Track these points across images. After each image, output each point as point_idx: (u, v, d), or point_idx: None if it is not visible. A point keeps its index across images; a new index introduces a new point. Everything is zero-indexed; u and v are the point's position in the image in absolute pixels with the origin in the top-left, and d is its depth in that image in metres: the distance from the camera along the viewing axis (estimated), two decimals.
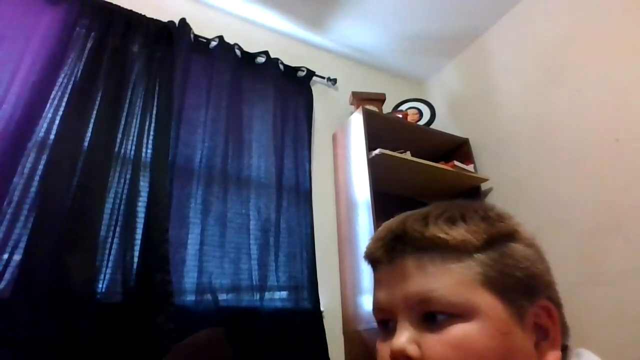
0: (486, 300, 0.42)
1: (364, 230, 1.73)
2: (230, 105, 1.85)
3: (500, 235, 0.45)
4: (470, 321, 0.41)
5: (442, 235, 0.44)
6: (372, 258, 0.50)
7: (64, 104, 1.47)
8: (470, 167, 2.10)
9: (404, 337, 0.42)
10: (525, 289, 0.43)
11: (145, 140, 1.58)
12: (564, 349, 0.45)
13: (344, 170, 2.00)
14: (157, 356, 1.22)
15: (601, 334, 1.45)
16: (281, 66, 2.14)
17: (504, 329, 0.41)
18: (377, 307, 0.48)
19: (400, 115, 2.21)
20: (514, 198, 1.95)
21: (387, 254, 0.48)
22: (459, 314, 0.41)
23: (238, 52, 2.02)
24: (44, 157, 1.38)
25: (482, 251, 0.44)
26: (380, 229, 0.51)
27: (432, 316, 0.42)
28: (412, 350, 0.41)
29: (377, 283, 0.49)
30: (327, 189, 2.04)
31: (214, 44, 1.97)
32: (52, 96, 1.46)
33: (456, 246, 0.44)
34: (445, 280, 0.43)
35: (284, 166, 1.88)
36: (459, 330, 0.40)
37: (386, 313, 0.47)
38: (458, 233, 0.44)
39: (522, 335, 0.41)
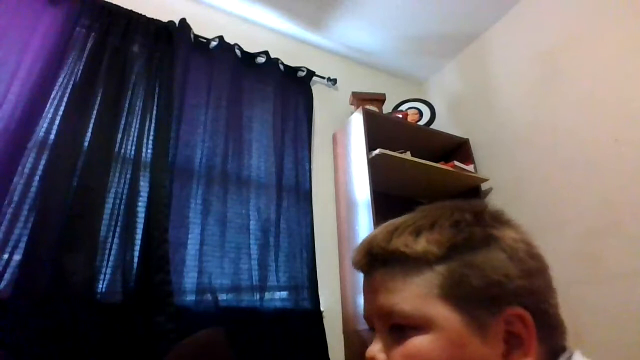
0: (441, 312, 0.42)
1: (364, 230, 1.73)
2: (230, 105, 1.86)
3: (465, 243, 0.44)
4: (427, 333, 0.42)
5: (403, 249, 0.45)
6: (356, 268, 0.52)
7: (64, 103, 1.47)
8: (470, 167, 2.10)
9: (376, 347, 0.46)
10: (487, 298, 0.42)
11: (145, 140, 1.58)
12: (562, 350, 0.45)
13: (344, 170, 2.00)
14: (157, 356, 1.22)
15: (600, 333, 1.45)
16: (281, 66, 2.14)
17: (459, 341, 0.41)
18: (363, 315, 0.52)
19: (400, 116, 2.21)
20: (513, 198, 1.95)
21: (364, 267, 0.50)
22: (417, 326, 0.42)
23: (238, 52, 2.03)
24: (44, 156, 1.38)
25: (443, 261, 0.44)
26: (363, 239, 0.53)
27: (400, 328, 0.44)
28: (381, 358, 0.44)
29: (363, 292, 0.52)
30: (327, 189, 2.04)
31: (214, 44, 1.97)
32: (52, 96, 1.46)
33: (416, 259, 0.45)
34: (405, 294, 0.44)
35: (284, 166, 1.88)
36: (415, 342, 0.42)
37: (368, 321, 0.50)
38: (419, 245, 0.45)
39: (481, 347, 0.41)
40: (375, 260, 0.48)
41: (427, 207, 0.50)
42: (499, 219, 0.48)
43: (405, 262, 0.45)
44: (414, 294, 0.44)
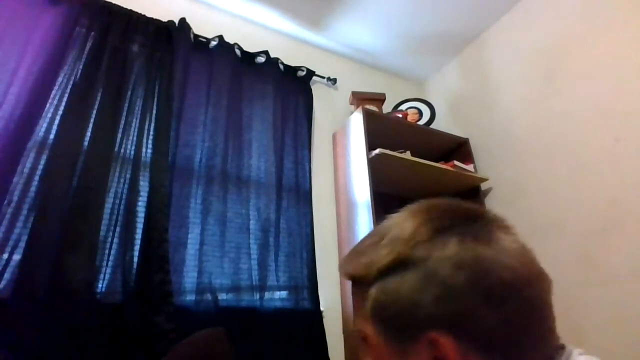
0: (371, 332, 0.45)
1: (364, 230, 1.73)
2: (230, 105, 1.85)
3: (388, 266, 0.44)
4: (367, 349, 0.46)
5: (351, 271, 0.49)
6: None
7: (63, 103, 1.47)
8: (470, 167, 2.10)
9: (362, 353, 0.49)
10: (403, 323, 0.42)
11: (145, 140, 1.58)
12: (561, 348, 0.44)
13: (344, 170, 2.00)
14: (156, 356, 1.22)
15: (601, 334, 1.45)
16: (281, 66, 2.14)
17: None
18: None
19: (400, 115, 2.21)
20: (513, 198, 1.95)
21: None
22: (365, 341, 0.46)
23: (238, 51, 2.02)
24: (44, 156, 1.37)
25: (373, 284, 0.45)
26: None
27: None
28: None
29: None
30: (327, 189, 2.04)
31: (213, 43, 1.97)
32: (52, 96, 1.46)
33: (360, 280, 0.47)
34: (360, 312, 0.47)
35: (283, 166, 1.88)
36: (362, 355, 0.47)
37: None
38: (360, 268, 0.47)
39: None
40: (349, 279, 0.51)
41: (390, 217, 0.50)
42: (442, 231, 0.43)
43: (359, 283, 0.48)
44: (362, 313, 0.47)
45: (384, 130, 2.05)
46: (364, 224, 1.74)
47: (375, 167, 1.83)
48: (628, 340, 1.37)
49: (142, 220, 1.44)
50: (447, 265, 0.41)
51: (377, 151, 1.83)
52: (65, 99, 1.48)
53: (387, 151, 1.84)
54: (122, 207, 1.44)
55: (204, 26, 2.00)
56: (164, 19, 1.87)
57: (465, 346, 0.39)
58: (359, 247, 0.49)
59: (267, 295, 1.59)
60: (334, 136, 2.19)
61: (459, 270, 0.40)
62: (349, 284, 1.79)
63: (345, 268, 0.50)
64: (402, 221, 0.47)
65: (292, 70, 2.18)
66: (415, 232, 0.44)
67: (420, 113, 2.36)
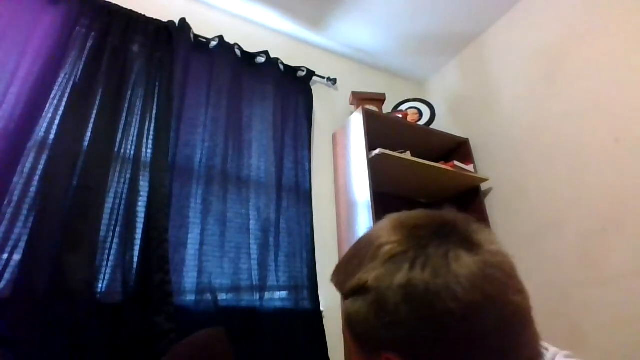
0: (349, 337, 0.48)
1: (364, 230, 1.72)
2: (230, 105, 1.86)
3: (352, 290, 0.47)
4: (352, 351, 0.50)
5: (334, 283, 0.52)
6: None
7: (64, 103, 1.47)
8: (470, 167, 2.10)
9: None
10: (363, 341, 0.46)
11: (145, 140, 1.58)
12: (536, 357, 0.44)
13: (344, 170, 2.00)
14: (156, 356, 1.22)
15: (600, 334, 1.45)
16: (281, 66, 2.14)
17: None
18: None
19: (400, 115, 2.21)
20: (513, 198, 1.95)
21: None
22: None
23: (238, 52, 2.03)
24: (44, 156, 1.38)
25: (346, 299, 0.48)
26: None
27: None
28: None
29: None
30: (327, 189, 2.04)
31: (214, 43, 1.97)
32: (52, 96, 1.46)
33: (340, 291, 0.50)
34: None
35: (283, 166, 1.88)
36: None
37: None
38: (339, 282, 0.51)
39: None
40: None
41: (368, 232, 0.52)
42: (398, 255, 0.44)
43: (341, 293, 0.51)
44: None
45: (384, 130, 2.05)
46: (364, 224, 1.74)
47: (375, 167, 1.83)
48: (628, 340, 1.37)
49: (142, 220, 1.44)
50: (394, 295, 0.42)
51: (377, 151, 1.83)
52: (65, 99, 1.48)
53: (387, 151, 1.84)
54: (122, 207, 1.44)
55: (204, 26, 2.00)
56: (164, 19, 1.87)
57: None
58: (343, 260, 0.52)
59: (267, 295, 1.59)
60: (334, 136, 2.19)
61: (405, 300, 0.41)
62: None
63: (331, 277, 0.53)
64: (371, 242, 0.48)
65: (292, 70, 2.18)
66: (375, 257, 0.46)
67: (420, 113, 2.36)
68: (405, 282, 0.41)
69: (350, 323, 0.47)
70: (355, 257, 0.48)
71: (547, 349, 0.47)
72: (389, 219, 0.49)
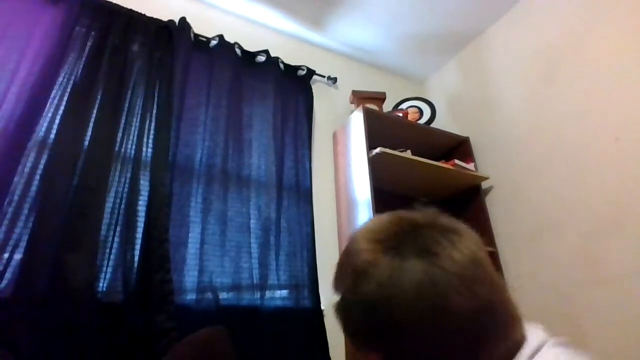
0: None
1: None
2: (231, 104, 1.86)
3: (336, 298, 0.52)
4: None
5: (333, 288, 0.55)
6: None
7: (64, 103, 1.47)
8: (470, 166, 2.10)
9: None
10: (354, 339, 0.50)
11: (145, 140, 1.58)
12: (515, 347, 0.46)
13: (345, 168, 2.00)
14: (157, 355, 1.22)
15: (602, 335, 1.45)
16: (281, 65, 2.14)
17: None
18: None
19: (401, 114, 2.21)
20: (514, 197, 1.95)
21: None
22: None
23: (238, 51, 2.02)
24: (45, 156, 1.38)
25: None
26: None
27: None
28: None
29: None
30: (327, 188, 2.04)
31: (214, 42, 1.97)
32: (52, 95, 1.46)
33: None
34: None
35: (284, 165, 1.88)
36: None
37: None
38: (332, 286, 0.54)
39: None
40: None
41: (353, 236, 0.54)
42: (363, 270, 0.48)
43: None
44: None
45: (384, 129, 2.04)
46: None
47: (376, 166, 1.83)
48: (628, 341, 1.37)
49: (143, 219, 1.44)
50: (356, 307, 0.48)
51: (377, 150, 1.83)
52: (65, 98, 1.48)
53: (388, 150, 1.84)
54: (122, 206, 1.44)
55: (204, 25, 2.00)
56: (164, 18, 1.87)
57: None
58: (337, 265, 0.55)
59: (267, 294, 1.59)
60: (334, 135, 2.19)
61: (363, 312, 0.47)
62: None
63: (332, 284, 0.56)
64: (351, 253, 0.52)
65: (292, 69, 2.18)
66: (346, 268, 0.51)
67: (421, 112, 2.36)
68: (362, 297, 0.47)
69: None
70: (344, 265, 0.52)
71: (534, 334, 0.47)
72: (366, 230, 0.53)
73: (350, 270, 0.49)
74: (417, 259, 0.45)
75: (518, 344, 0.46)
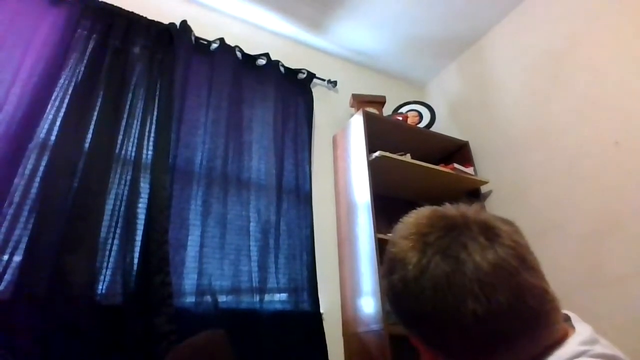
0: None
1: (364, 232, 1.73)
2: (231, 107, 1.86)
3: (386, 280, 0.53)
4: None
5: None
6: None
7: (65, 105, 1.47)
8: (470, 170, 2.11)
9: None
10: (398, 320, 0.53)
11: (145, 142, 1.58)
12: (555, 344, 0.47)
13: (344, 172, 2.00)
14: (156, 358, 1.22)
15: (602, 335, 1.45)
16: (282, 68, 2.15)
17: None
18: None
19: (400, 118, 2.21)
20: (513, 200, 1.95)
21: None
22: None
23: (239, 54, 2.03)
24: (45, 158, 1.38)
25: None
26: None
27: None
28: None
29: None
30: (327, 191, 2.04)
31: (214, 46, 1.98)
32: (53, 97, 1.47)
33: None
34: None
35: (284, 168, 1.89)
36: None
37: None
38: None
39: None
40: None
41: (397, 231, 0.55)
42: (389, 270, 0.52)
43: None
44: None
45: (384, 132, 2.05)
46: (364, 226, 1.74)
47: (376, 169, 1.84)
48: (629, 342, 1.37)
49: (143, 222, 1.44)
50: (388, 293, 0.53)
51: (377, 154, 1.83)
52: (66, 100, 1.48)
53: (387, 154, 1.85)
54: (122, 208, 1.44)
55: (205, 29, 2.01)
56: (165, 21, 1.88)
57: (432, 351, 0.50)
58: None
59: (267, 297, 1.59)
60: (334, 138, 2.20)
61: (391, 299, 0.52)
62: (348, 286, 1.79)
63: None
64: (390, 242, 0.54)
65: (292, 72, 2.18)
66: (386, 255, 0.54)
67: (421, 116, 2.37)
68: (389, 289, 0.51)
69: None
70: (385, 252, 0.55)
71: (570, 344, 0.47)
72: (406, 222, 0.54)
73: (386, 259, 0.53)
74: (442, 260, 0.46)
75: (549, 348, 0.46)
